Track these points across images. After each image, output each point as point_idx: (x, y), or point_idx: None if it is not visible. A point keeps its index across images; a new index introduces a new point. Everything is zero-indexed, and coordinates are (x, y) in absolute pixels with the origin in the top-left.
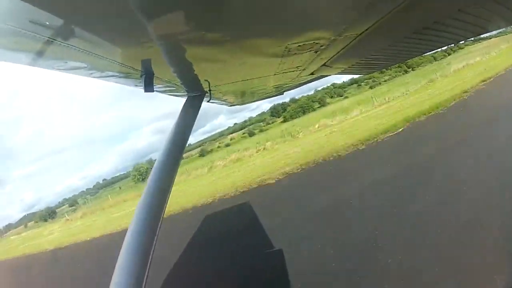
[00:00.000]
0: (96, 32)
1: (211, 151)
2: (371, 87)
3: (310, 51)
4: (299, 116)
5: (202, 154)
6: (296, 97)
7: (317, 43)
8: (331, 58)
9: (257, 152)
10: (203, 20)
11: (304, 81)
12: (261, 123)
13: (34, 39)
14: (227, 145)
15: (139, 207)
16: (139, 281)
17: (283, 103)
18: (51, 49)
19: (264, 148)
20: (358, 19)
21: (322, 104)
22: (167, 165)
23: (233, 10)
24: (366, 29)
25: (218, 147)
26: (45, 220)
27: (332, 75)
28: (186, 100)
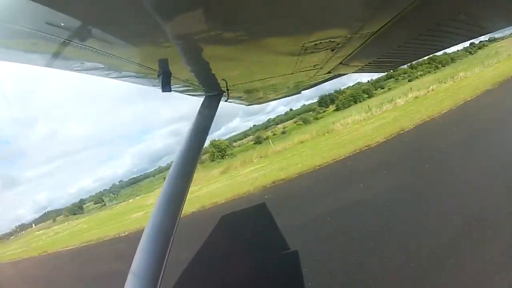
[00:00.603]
0: (113, 33)
1: (267, 138)
2: (409, 80)
3: (327, 49)
4: (351, 105)
5: (258, 142)
6: (342, 88)
7: (333, 41)
8: (348, 56)
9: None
10: (220, 20)
11: (321, 79)
12: (310, 112)
13: (51, 40)
14: (283, 132)
15: (156, 207)
16: (157, 269)
17: (329, 94)
18: (68, 50)
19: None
20: (373, 17)
21: (370, 94)
22: (185, 165)
23: (250, 9)
24: (382, 27)
25: (274, 134)
26: (74, 214)
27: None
28: (203, 100)
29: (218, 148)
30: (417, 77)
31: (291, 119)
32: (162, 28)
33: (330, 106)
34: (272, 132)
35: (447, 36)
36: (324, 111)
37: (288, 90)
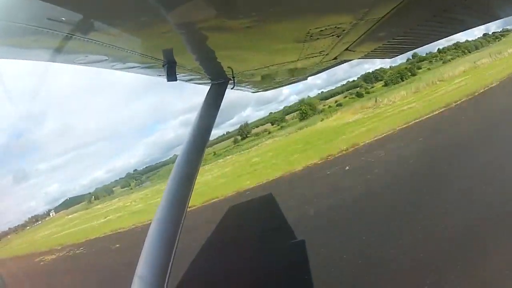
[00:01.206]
0: (116, 25)
1: (323, 110)
2: (443, 62)
3: (333, 35)
4: (399, 82)
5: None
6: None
7: (339, 27)
8: (354, 42)
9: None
10: (224, 7)
11: (327, 66)
12: (357, 88)
13: (53, 36)
14: (339, 104)
15: (165, 196)
16: (163, 272)
17: (373, 72)
18: (71, 44)
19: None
20: (379, 3)
21: (413, 73)
22: (192, 153)
23: None
24: (388, 12)
25: (329, 106)
26: (105, 197)
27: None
28: (210, 88)
29: (310, 106)
30: (449, 60)
31: (338, 94)
32: (166, 18)
33: (376, 82)
34: (328, 105)
35: (452, 22)
36: (372, 87)
37: (295, 77)
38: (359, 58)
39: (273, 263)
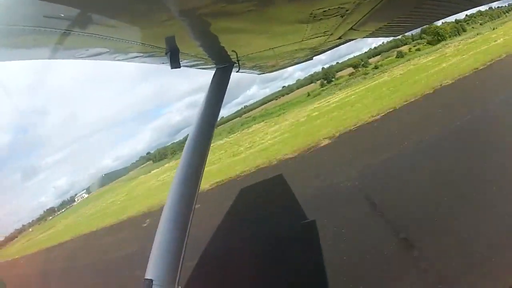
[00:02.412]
0: (115, 17)
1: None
2: (480, 24)
3: (336, 16)
4: (456, 35)
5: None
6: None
7: (342, 7)
8: (358, 22)
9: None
10: None
11: (332, 45)
12: (400, 48)
13: (51, 33)
14: (377, 66)
15: (175, 180)
16: (177, 256)
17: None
18: (70, 40)
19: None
20: None
21: (464, 29)
22: (201, 137)
23: None
24: None
25: (376, 67)
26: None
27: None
28: (215, 72)
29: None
30: (481, 24)
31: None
32: (166, 5)
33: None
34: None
35: (455, 1)
36: (418, 44)
37: (300, 57)
38: (364, 37)
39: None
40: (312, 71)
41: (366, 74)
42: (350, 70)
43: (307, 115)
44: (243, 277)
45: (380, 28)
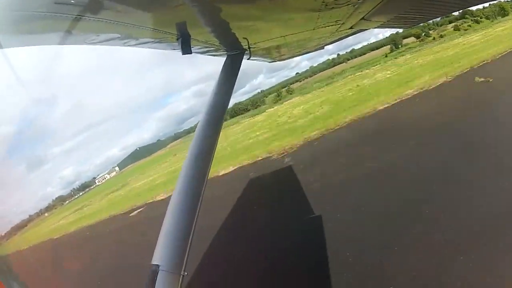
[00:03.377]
0: (126, 2)
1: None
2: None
3: (348, 5)
4: (496, 18)
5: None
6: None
7: None
8: (370, 12)
9: None
10: None
11: (343, 35)
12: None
13: (62, 19)
14: (442, 36)
15: (185, 165)
16: (184, 241)
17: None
18: (81, 25)
19: None
20: None
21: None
22: (211, 124)
23: None
24: None
25: (433, 38)
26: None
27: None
28: (226, 59)
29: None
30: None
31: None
32: None
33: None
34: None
35: None
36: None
37: (311, 46)
38: (375, 28)
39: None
40: (319, 60)
41: (441, 37)
42: (412, 39)
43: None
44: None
45: (391, 19)
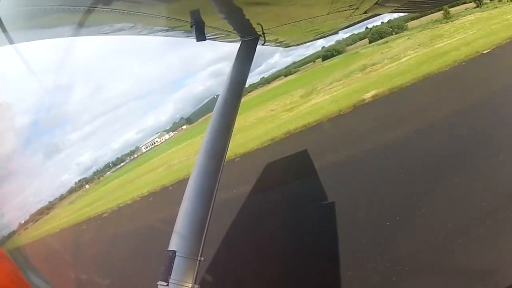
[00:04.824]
0: None
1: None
2: None
3: None
4: None
5: None
6: None
7: None
8: None
9: None
10: None
11: (357, 20)
12: None
13: (75, 11)
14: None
15: (201, 152)
16: (201, 227)
17: None
18: (94, 17)
19: None
20: None
21: None
22: (227, 110)
23: None
24: None
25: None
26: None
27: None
28: (240, 45)
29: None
30: None
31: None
32: None
33: None
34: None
35: None
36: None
37: (325, 31)
38: (389, 12)
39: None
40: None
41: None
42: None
43: None
44: None
45: (405, 3)
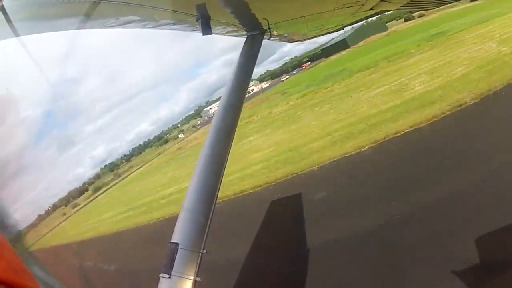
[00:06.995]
0: None
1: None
2: None
3: None
4: None
5: None
6: None
7: None
8: None
9: None
10: None
11: (363, 16)
12: None
13: (81, 4)
14: None
15: (205, 146)
16: (204, 220)
17: None
18: (101, 9)
19: None
20: None
21: None
22: (232, 106)
23: None
24: None
25: None
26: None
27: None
28: (246, 39)
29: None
30: None
31: None
32: None
33: None
34: None
35: None
36: None
37: (331, 27)
38: (396, 9)
39: None
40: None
41: None
42: None
43: None
44: None
45: (412, 1)
